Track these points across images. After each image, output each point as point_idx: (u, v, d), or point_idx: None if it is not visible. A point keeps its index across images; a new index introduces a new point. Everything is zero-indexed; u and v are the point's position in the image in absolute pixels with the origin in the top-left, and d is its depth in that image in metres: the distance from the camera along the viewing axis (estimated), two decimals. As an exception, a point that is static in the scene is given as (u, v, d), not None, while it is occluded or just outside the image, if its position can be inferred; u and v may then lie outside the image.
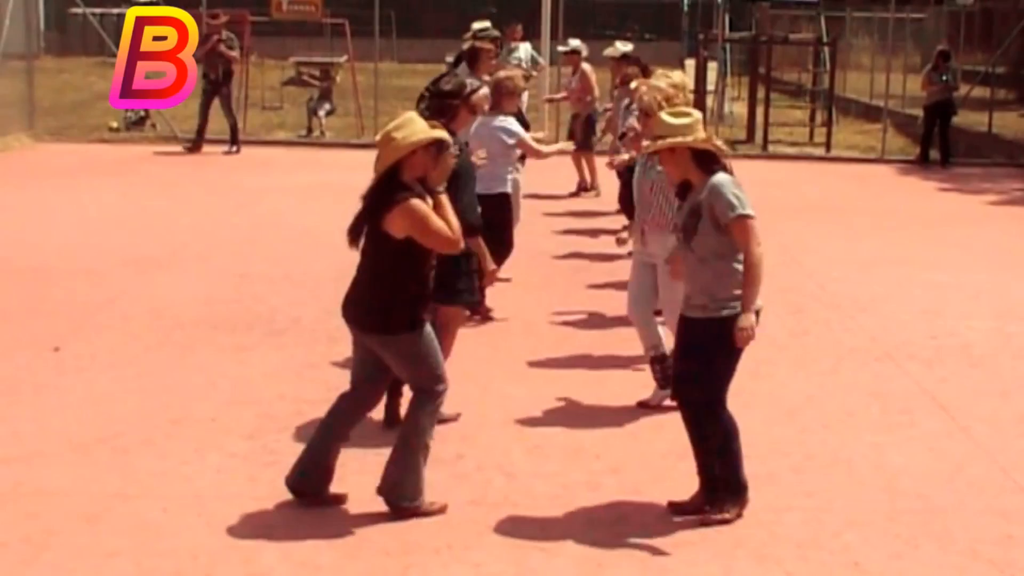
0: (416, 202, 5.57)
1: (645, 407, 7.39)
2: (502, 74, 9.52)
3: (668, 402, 7.23)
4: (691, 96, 7.66)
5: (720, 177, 5.65)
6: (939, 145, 19.37)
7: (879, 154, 19.90)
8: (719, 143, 5.83)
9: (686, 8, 31.39)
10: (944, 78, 19.10)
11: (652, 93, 7.12)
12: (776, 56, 24.58)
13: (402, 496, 5.75)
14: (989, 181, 17.96)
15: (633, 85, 9.78)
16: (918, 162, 19.39)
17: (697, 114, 5.80)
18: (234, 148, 18.45)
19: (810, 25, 27.61)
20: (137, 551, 5.39)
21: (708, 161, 5.70)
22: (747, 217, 5.55)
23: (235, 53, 18.44)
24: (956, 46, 24.19)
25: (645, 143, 8.01)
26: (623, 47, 13.07)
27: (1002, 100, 24.73)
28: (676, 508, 5.87)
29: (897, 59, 24.19)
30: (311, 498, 5.88)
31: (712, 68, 22.85)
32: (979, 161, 19.86)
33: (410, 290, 5.68)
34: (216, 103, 18.29)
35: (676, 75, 7.53)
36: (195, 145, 18.46)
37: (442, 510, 5.84)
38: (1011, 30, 23.20)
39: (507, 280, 10.31)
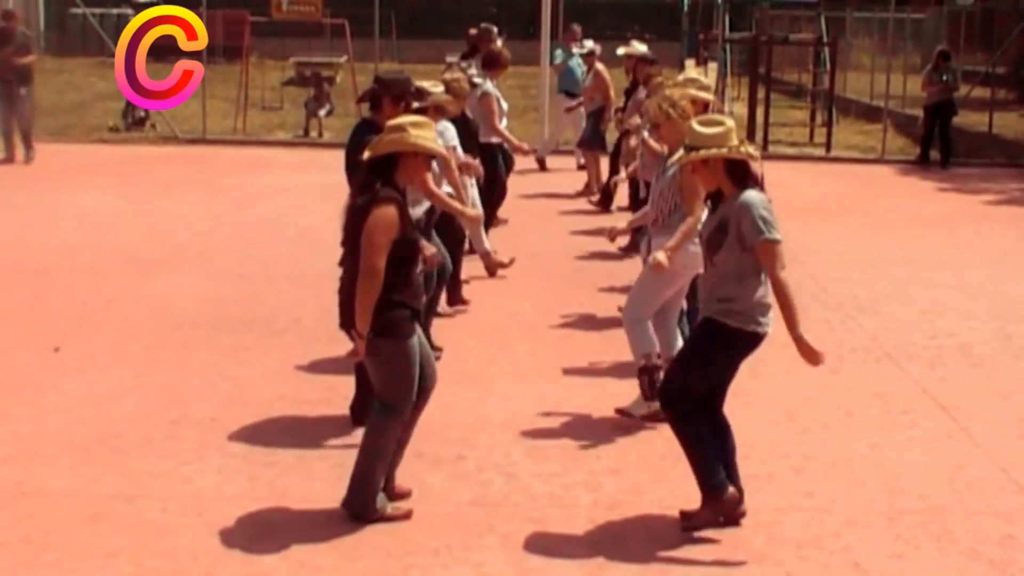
0: (389, 211, 5.39)
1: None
2: (447, 76, 9.59)
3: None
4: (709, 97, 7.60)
5: (750, 195, 5.51)
6: (939, 145, 19.35)
7: (879, 154, 19.89)
8: (751, 150, 5.60)
9: (686, 8, 31.31)
10: (944, 78, 19.09)
11: (657, 102, 7.01)
12: (776, 56, 24.55)
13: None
14: (989, 181, 17.95)
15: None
16: (918, 162, 19.37)
17: (730, 122, 5.62)
18: (29, 154, 17.13)
19: (810, 25, 27.59)
20: (137, 551, 5.39)
21: (741, 172, 5.56)
22: (773, 242, 5.48)
23: (32, 56, 17.29)
24: (956, 46, 24.19)
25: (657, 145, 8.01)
26: (639, 46, 13.08)
27: (1002, 100, 24.73)
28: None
29: (897, 59, 24.16)
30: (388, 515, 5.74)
31: (712, 68, 22.84)
32: (979, 161, 19.83)
33: (397, 293, 5.47)
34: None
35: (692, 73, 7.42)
36: (8, 155, 17.10)
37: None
38: (1011, 30, 23.22)
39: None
